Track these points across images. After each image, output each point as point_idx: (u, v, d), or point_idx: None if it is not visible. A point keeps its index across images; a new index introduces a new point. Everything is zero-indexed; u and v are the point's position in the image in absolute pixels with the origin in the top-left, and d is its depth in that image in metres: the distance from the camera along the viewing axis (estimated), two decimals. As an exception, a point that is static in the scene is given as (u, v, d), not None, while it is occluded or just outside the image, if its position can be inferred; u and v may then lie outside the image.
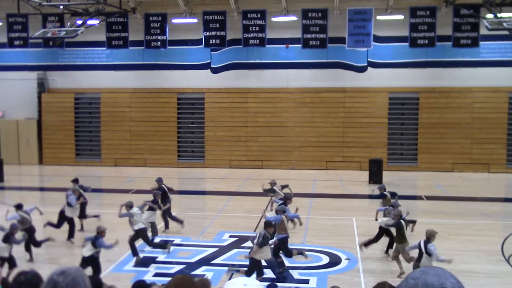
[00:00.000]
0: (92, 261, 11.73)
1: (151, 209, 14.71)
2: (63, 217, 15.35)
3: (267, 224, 11.76)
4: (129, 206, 13.77)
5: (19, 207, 13.86)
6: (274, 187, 16.96)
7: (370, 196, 16.70)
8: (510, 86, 27.80)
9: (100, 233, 11.95)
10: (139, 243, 13.90)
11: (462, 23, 21.63)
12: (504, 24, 19.24)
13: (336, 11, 25.95)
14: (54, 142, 31.56)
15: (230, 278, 12.16)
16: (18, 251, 13.13)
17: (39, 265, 12.75)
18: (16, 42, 24.32)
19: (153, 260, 13.57)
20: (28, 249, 13.53)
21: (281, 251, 12.94)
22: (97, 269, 11.75)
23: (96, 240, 11.80)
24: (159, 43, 24.30)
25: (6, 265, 11.97)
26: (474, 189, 24.05)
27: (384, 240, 14.00)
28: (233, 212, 18.88)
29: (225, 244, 14.86)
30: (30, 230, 13.62)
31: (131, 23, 24.43)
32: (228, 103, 30.13)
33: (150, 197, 15.26)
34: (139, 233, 13.62)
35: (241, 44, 23.83)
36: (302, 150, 29.51)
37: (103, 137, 31.32)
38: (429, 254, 10.87)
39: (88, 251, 11.78)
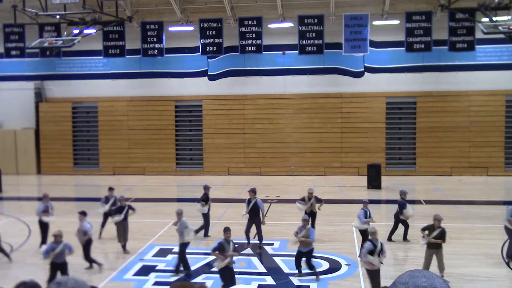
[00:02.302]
0: (56, 267, 11.76)
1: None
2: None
3: (224, 230, 11.83)
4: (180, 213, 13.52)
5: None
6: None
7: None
8: (507, 89, 27.88)
9: (53, 237, 12.00)
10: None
11: (457, 27, 21.68)
12: (500, 27, 19.30)
13: (332, 17, 26.04)
14: (52, 152, 31.52)
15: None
16: (22, 261, 13.05)
17: (38, 276, 12.70)
18: (13, 52, 24.31)
19: (152, 269, 13.52)
20: None
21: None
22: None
23: None
24: (156, 51, 24.32)
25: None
26: (472, 193, 24.05)
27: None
28: (232, 219, 18.82)
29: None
30: None
31: (127, 32, 24.46)
32: (226, 110, 30.15)
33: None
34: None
35: (238, 51, 23.88)
36: (301, 156, 29.52)
37: (101, 146, 31.29)
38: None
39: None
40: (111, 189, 16.89)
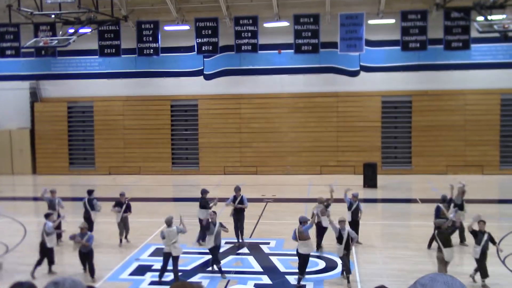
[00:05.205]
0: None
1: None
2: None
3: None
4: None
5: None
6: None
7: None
8: (502, 88, 27.97)
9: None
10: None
11: (453, 26, 21.72)
12: (495, 26, 19.33)
13: (328, 16, 26.03)
14: (48, 152, 31.43)
15: (226, 286, 12.15)
16: (18, 261, 12.99)
17: (38, 281, 12.68)
18: (8, 52, 24.21)
19: (149, 268, 13.51)
20: None
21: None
22: None
23: None
24: (152, 50, 24.27)
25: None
26: (468, 191, 24.05)
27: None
28: (228, 219, 18.83)
29: (220, 250, 14.79)
30: None
31: (123, 31, 24.38)
32: (222, 110, 30.13)
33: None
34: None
35: (233, 50, 23.85)
36: (297, 155, 29.53)
37: (96, 146, 31.23)
38: None
39: None
40: (238, 189, 15.95)
